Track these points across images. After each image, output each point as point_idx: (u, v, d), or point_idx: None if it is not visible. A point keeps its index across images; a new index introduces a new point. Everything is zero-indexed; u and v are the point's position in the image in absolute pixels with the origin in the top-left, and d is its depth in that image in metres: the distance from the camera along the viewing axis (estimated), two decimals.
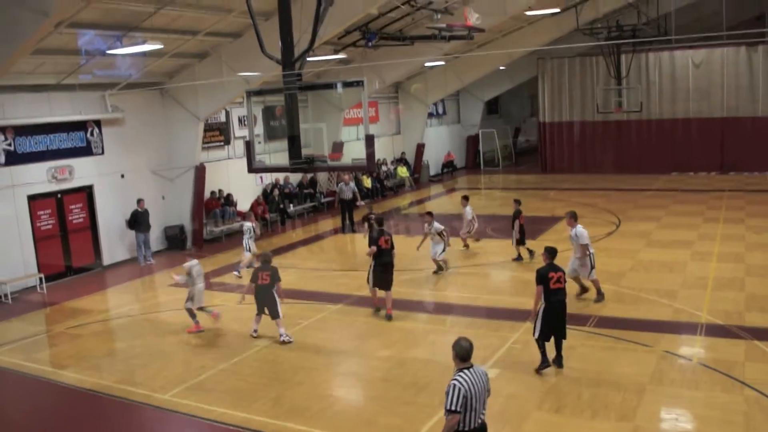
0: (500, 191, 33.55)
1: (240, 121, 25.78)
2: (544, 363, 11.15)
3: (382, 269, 14.37)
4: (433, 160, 38.87)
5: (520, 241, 18.26)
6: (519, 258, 18.33)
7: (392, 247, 14.54)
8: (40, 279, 18.34)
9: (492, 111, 45.08)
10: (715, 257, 17.77)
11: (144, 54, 18.62)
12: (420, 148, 36.38)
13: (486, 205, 29.26)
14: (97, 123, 20.29)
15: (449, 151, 40.59)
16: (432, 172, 38.50)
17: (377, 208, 28.68)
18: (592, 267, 14.44)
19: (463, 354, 6.94)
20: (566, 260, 14.32)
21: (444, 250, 17.38)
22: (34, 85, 18.38)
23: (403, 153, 36.15)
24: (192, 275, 14.02)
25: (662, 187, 30.58)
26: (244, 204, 25.32)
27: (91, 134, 20.17)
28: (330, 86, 13.14)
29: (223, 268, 19.59)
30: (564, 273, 11.37)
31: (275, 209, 26.15)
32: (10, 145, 17.99)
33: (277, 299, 13.34)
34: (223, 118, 25.09)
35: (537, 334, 11.17)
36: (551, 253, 11.47)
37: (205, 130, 23.33)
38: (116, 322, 15.44)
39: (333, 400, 10.73)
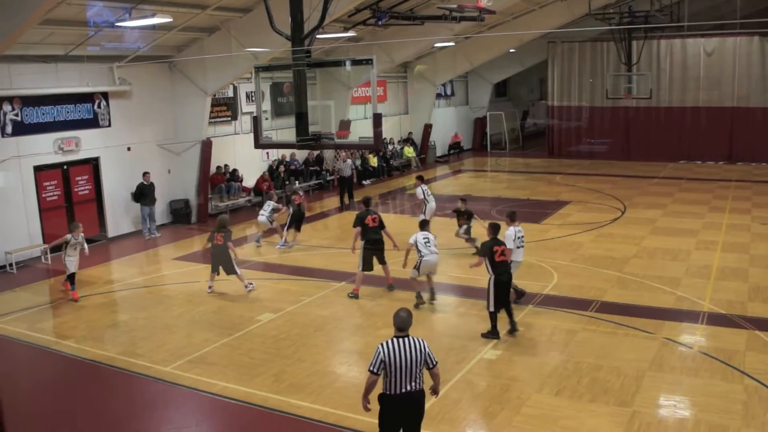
0: (507, 174, 33.49)
1: (248, 96, 25.72)
2: (494, 334, 11.96)
3: (373, 247, 14.55)
4: (440, 141, 38.76)
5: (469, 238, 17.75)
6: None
7: (381, 225, 14.66)
8: (45, 250, 18.41)
9: (500, 93, 44.87)
10: (719, 247, 17.74)
11: (153, 27, 18.52)
12: (427, 129, 36.30)
13: (492, 188, 29.26)
14: (105, 95, 20.26)
15: (456, 133, 40.48)
16: (439, 153, 38.39)
17: (383, 188, 28.71)
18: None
19: (398, 323, 7.33)
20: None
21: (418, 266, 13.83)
22: (42, 56, 18.33)
23: (410, 133, 36.06)
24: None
25: (669, 175, 30.51)
26: (249, 180, 25.33)
27: (99, 106, 20.15)
28: (339, 64, 13.08)
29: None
30: (506, 247, 12.35)
31: (281, 186, 26.15)
32: (17, 115, 17.98)
33: (233, 257, 14.92)
34: (230, 94, 25.02)
35: (492, 308, 11.95)
36: (495, 229, 12.40)
37: (213, 105, 23.28)
38: (120, 294, 15.51)
39: (334, 377, 10.78)
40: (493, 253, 11.97)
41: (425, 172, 33.44)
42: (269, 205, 19.36)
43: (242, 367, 11.13)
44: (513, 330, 12.12)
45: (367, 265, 14.52)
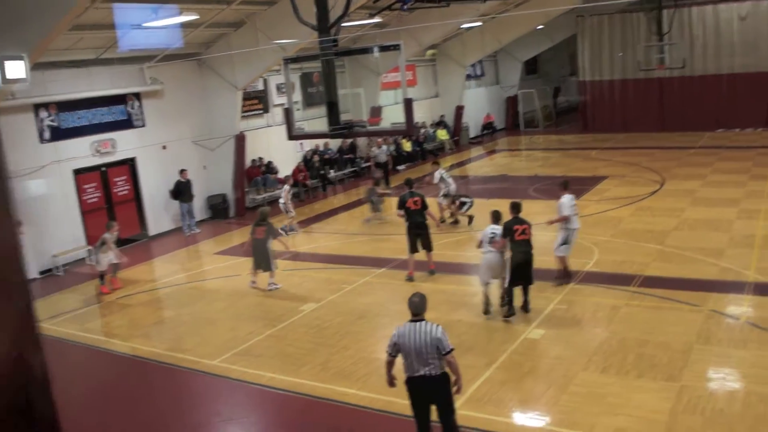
0: (541, 152, 33.22)
1: (278, 88, 25.82)
2: (510, 311, 11.90)
3: (415, 230, 14.50)
4: (473, 122, 38.54)
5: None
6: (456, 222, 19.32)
7: (424, 207, 14.60)
8: (88, 251, 18.71)
9: (531, 71, 44.39)
10: (762, 215, 17.41)
11: (180, 25, 18.69)
12: (459, 111, 36.11)
13: (527, 167, 29.08)
14: (137, 96, 20.51)
15: (488, 113, 40.21)
16: (472, 134, 38.20)
17: (418, 172, 28.65)
18: (563, 243, 13.36)
19: (411, 308, 7.53)
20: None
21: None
22: (73, 61, 18.59)
23: (442, 116, 35.91)
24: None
25: (707, 144, 29.95)
26: (285, 171, 25.47)
27: (132, 107, 20.39)
28: (366, 51, 12.99)
29: None
30: (529, 226, 12.04)
31: (316, 175, 26.26)
32: (53, 120, 18.27)
33: (270, 254, 14.64)
34: (261, 87, 25.16)
35: (506, 284, 11.93)
36: (516, 207, 12.25)
37: (244, 99, 23.43)
38: (163, 291, 15.74)
39: (379, 363, 10.77)
40: (513, 233, 11.85)
41: (459, 155, 33.39)
42: (283, 190, 19.83)
43: (288, 357, 11.25)
44: (526, 309, 12.07)
45: (413, 248, 14.54)
